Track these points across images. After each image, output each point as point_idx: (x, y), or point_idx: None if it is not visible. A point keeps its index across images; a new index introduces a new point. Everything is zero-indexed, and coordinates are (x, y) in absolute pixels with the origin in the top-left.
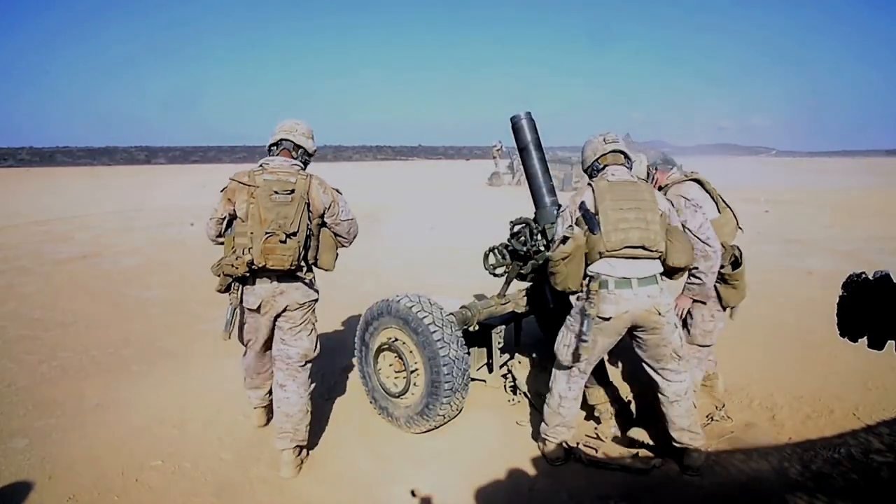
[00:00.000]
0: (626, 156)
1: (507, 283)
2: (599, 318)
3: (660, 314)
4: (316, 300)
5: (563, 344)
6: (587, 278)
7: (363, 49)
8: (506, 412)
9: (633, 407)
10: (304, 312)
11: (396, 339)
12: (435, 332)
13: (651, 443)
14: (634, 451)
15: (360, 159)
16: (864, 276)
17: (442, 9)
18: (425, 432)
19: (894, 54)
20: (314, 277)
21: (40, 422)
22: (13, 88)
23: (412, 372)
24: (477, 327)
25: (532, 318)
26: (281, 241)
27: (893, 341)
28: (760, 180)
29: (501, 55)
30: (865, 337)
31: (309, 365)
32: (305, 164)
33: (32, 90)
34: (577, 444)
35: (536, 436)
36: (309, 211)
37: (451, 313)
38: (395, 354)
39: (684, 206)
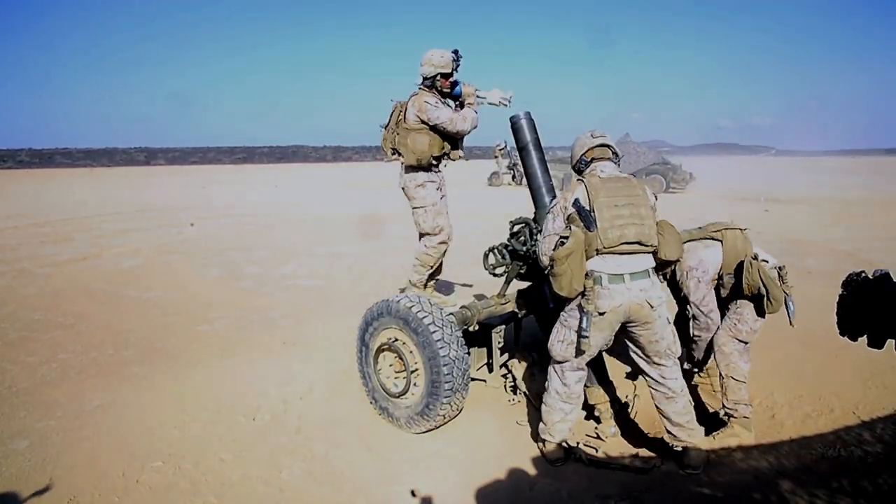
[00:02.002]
0: (614, 151)
1: (507, 282)
2: (598, 313)
3: (651, 307)
4: (418, 184)
5: (558, 340)
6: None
7: (363, 50)
8: (506, 412)
9: (633, 406)
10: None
11: (396, 340)
12: (435, 332)
13: (651, 442)
14: (635, 450)
15: (359, 159)
16: (863, 275)
17: (442, 9)
18: (425, 432)
19: (892, 53)
20: (412, 170)
21: (41, 423)
22: (12, 90)
23: (412, 372)
24: (477, 327)
25: (532, 317)
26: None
27: (893, 340)
28: (760, 180)
29: (501, 55)
30: (865, 335)
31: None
32: (428, 84)
33: (32, 91)
34: (578, 443)
35: (536, 435)
36: (400, 119)
37: (451, 313)
38: (396, 354)
39: (687, 276)
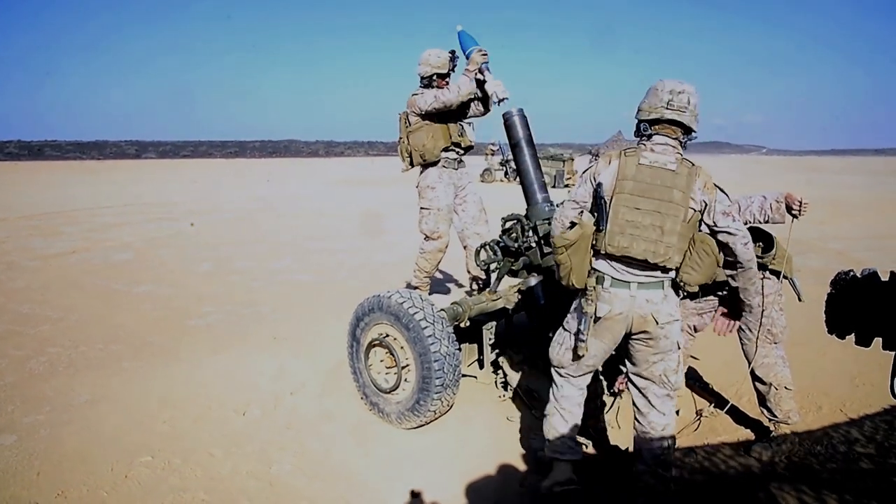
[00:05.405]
0: (687, 128)
1: (499, 279)
2: (594, 317)
3: (657, 324)
4: (428, 184)
5: (557, 343)
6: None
7: (356, 44)
8: (496, 408)
9: (624, 401)
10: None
11: (387, 335)
12: (426, 328)
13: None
14: (624, 446)
15: (351, 154)
16: (852, 273)
17: (439, 6)
18: (416, 428)
19: (883, 54)
20: (423, 169)
21: (29, 417)
22: (2, 81)
23: (403, 368)
24: (468, 323)
25: (524, 314)
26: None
27: (880, 338)
28: (751, 178)
29: (499, 51)
30: (853, 334)
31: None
32: (425, 84)
33: (22, 83)
34: None
35: (526, 431)
36: (406, 113)
37: (443, 309)
38: (387, 350)
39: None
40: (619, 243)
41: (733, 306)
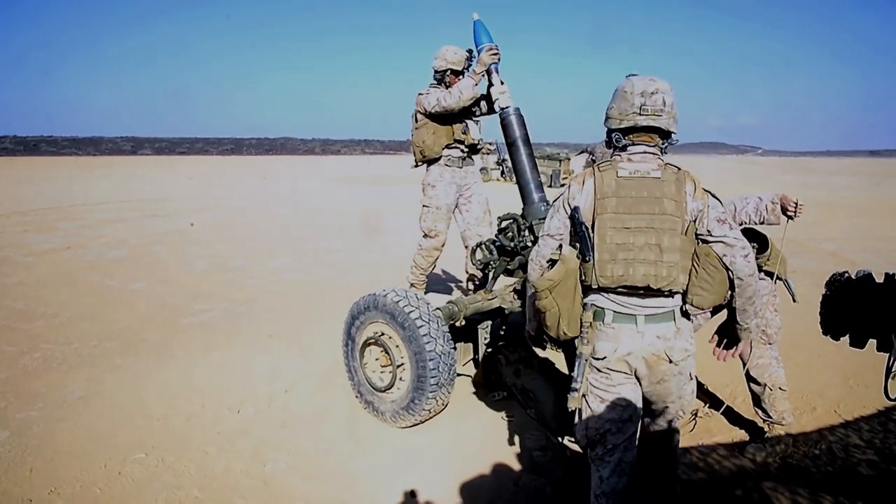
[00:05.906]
0: (665, 133)
1: (494, 278)
2: (593, 358)
3: (671, 362)
4: (429, 182)
5: (576, 418)
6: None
7: (353, 43)
8: (491, 407)
9: None
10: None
11: (383, 334)
12: (421, 326)
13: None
14: None
15: (348, 153)
16: (846, 275)
17: (438, 5)
18: (411, 427)
19: (879, 56)
20: (427, 166)
21: (22, 414)
22: None
23: (398, 366)
24: (463, 322)
25: (519, 314)
26: None
27: (874, 339)
28: (747, 179)
29: (501, 52)
30: (847, 335)
31: None
32: (438, 79)
33: (19, 79)
34: (561, 439)
35: (522, 431)
36: (415, 111)
37: (438, 308)
38: (382, 349)
39: None
40: (613, 272)
41: (731, 329)
